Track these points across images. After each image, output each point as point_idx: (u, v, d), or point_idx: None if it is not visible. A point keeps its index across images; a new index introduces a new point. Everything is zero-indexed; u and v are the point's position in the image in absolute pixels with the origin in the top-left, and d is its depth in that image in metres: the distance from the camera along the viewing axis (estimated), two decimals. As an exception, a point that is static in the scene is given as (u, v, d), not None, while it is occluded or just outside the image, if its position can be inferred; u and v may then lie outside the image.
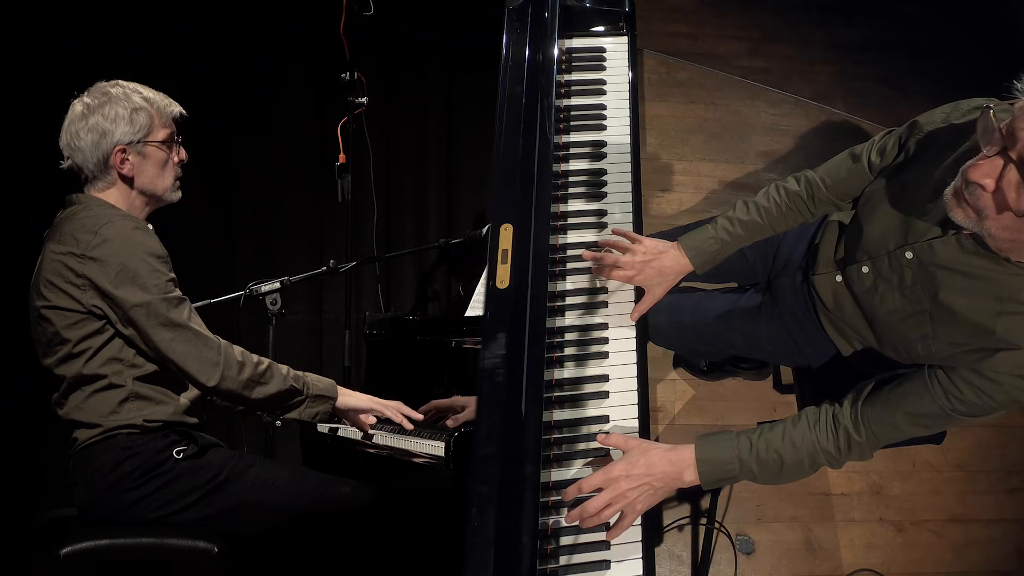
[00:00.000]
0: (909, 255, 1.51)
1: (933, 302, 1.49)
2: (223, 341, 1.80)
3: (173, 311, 1.74)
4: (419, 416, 1.99)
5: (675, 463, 1.46)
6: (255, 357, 1.82)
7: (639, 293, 1.69)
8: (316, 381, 1.91)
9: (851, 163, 1.70)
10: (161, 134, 1.88)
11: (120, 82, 1.88)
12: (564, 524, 1.43)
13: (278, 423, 2.17)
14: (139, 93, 1.86)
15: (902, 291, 1.54)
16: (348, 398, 1.95)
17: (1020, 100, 1.19)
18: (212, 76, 3.15)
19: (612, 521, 1.43)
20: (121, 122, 1.82)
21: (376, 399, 1.98)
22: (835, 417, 1.51)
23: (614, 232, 1.72)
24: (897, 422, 1.48)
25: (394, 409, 1.97)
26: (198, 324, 1.79)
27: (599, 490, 1.42)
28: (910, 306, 1.53)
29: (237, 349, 1.81)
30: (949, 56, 3.47)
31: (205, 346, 1.75)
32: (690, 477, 1.47)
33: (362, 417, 1.99)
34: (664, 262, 1.67)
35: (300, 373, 1.89)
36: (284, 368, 1.86)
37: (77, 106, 1.84)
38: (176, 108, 1.93)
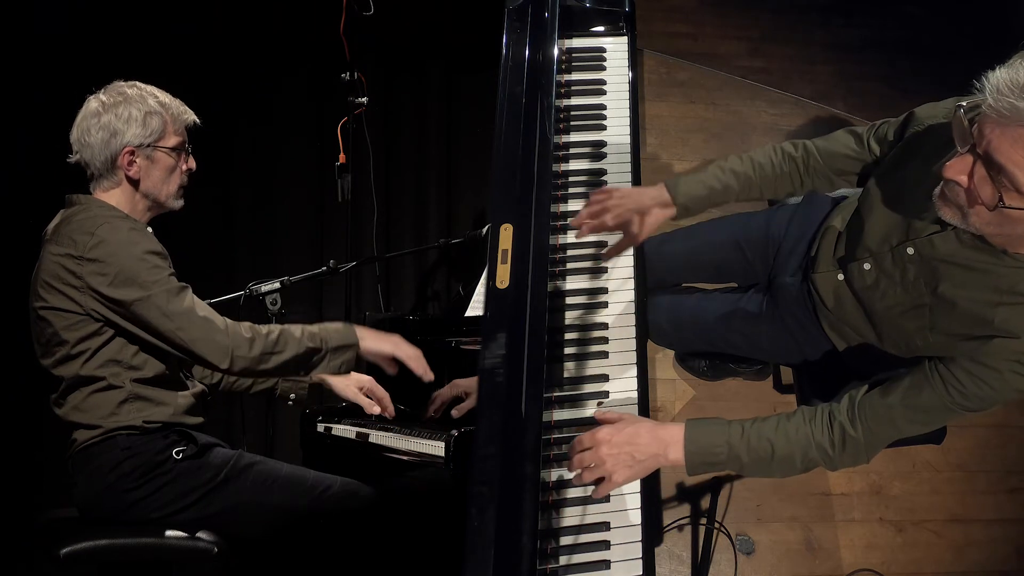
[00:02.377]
0: (911, 251, 1.52)
1: (933, 295, 1.50)
2: (230, 321, 1.78)
3: (175, 300, 1.73)
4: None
5: (661, 438, 1.43)
6: (264, 329, 1.80)
7: (639, 299, 1.69)
8: (335, 332, 1.87)
9: (849, 139, 1.70)
10: (172, 141, 1.88)
11: (138, 83, 1.88)
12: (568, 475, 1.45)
13: (289, 402, 2.17)
14: (155, 97, 1.87)
15: (904, 286, 1.55)
16: (370, 342, 1.89)
17: (986, 98, 1.21)
18: (212, 76, 3.15)
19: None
20: (133, 124, 1.82)
21: (399, 344, 1.91)
22: (831, 413, 1.50)
23: (590, 195, 1.69)
24: (894, 417, 1.47)
25: (415, 358, 1.92)
26: (203, 309, 1.78)
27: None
28: (910, 300, 1.54)
29: (245, 325, 1.79)
30: (949, 56, 3.47)
31: (213, 329, 1.74)
32: (675, 455, 1.43)
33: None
34: (642, 200, 1.63)
35: (317, 328, 1.86)
36: (298, 330, 1.83)
37: (92, 103, 1.84)
38: (191, 117, 1.93)
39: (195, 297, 1.80)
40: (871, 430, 1.47)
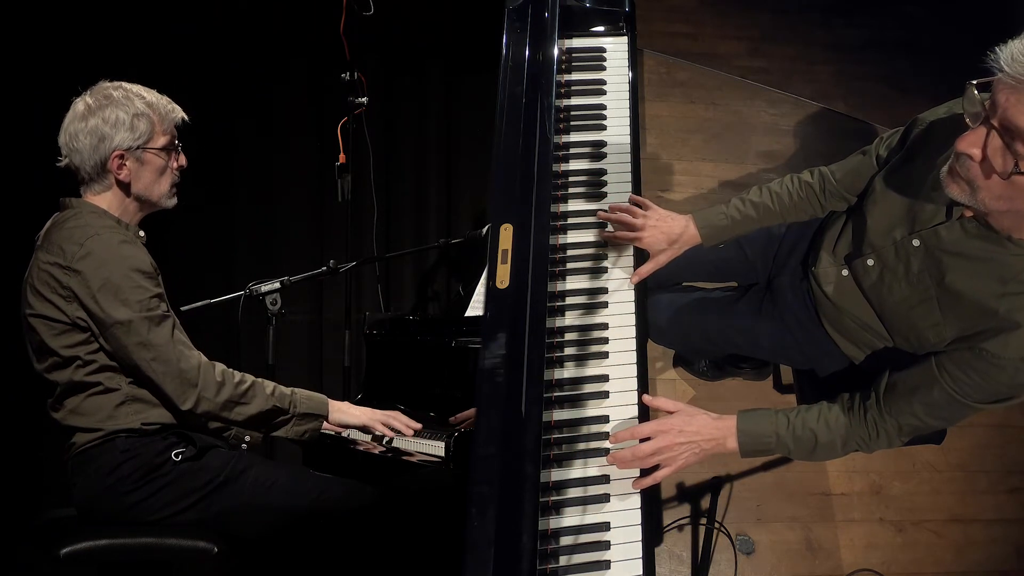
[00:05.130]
0: (916, 243, 1.55)
1: (939, 287, 1.52)
2: (204, 361, 1.76)
3: (154, 330, 1.71)
4: (418, 426, 1.99)
5: (721, 430, 1.55)
6: (237, 376, 1.79)
7: (639, 299, 1.69)
8: (305, 399, 1.88)
9: (860, 157, 1.76)
10: (161, 141, 1.85)
11: (123, 84, 1.85)
12: (607, 464, 1.50)
13: (244, 445, 2.05)
14: (142, 98, 1.83)
15: (908, 279, 1.57)
16: (340, 415, 1.92)
17: (1001, 67, 1.24)
18: (212, 76, 3.15)
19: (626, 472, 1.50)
20: (121, 127, 1.79)
21: (371, 414, 1.96)
22: (865, 406, 1.57)
23: (630, 199, 1.76)
24: (916, 412, 1.53)
25: (384, 425, 1.96)
26: (180, 342, 1.76)
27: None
28: (917, 294, 1.56)
29: (219, 368, 1.78)
30: (949, 56, 3.46)
31: (184, 367, 1.72)
32: (732, 445, 1.56)
33: (354, 434, 2.01)
34: (673, 228, 1.73)
35: (289, 391, 1.86)
36: (269, 386, 1.83)
37: (79, 105, 1.81)
38: (179, 114, 1.90)
39: (177, 328, 1.77)
40: (899, 423, 1.54)
